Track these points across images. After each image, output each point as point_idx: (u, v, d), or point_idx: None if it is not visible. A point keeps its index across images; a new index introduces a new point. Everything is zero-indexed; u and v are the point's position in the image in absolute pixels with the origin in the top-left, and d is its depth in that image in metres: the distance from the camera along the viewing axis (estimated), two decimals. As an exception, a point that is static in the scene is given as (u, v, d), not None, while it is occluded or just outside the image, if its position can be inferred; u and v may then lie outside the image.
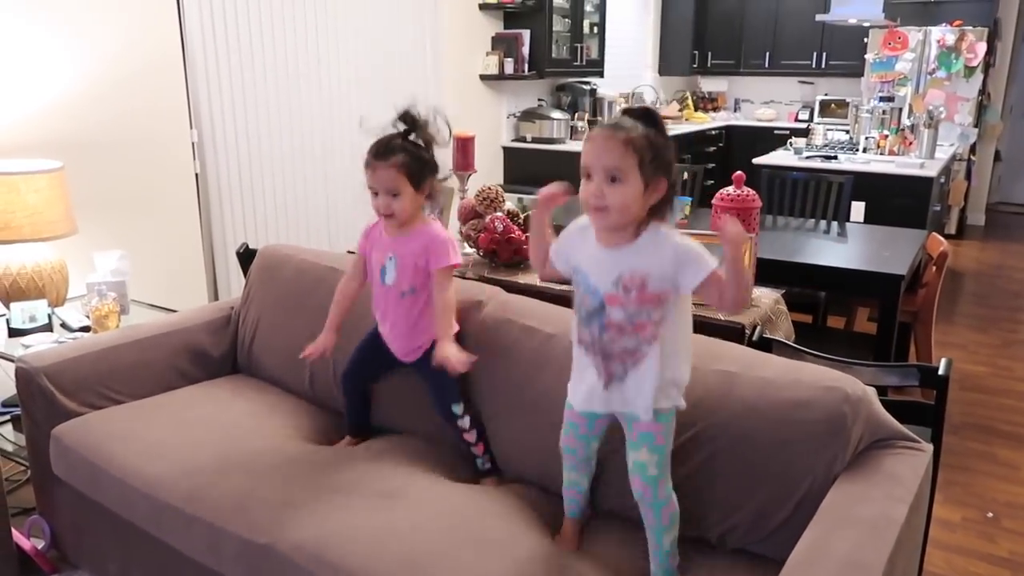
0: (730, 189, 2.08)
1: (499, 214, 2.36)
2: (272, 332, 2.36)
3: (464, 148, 2.52)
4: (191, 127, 3.34)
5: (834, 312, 3.55)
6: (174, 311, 2.66)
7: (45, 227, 2.49)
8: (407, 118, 1.78)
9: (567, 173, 5.14)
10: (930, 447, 1.64)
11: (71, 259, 2.71)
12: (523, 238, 2.32)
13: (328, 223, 4.04)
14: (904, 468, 1.53)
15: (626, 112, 1.39)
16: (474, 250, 2.48)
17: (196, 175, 3.40)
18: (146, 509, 1.81)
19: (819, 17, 6.22)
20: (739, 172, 2.10)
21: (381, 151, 1.75)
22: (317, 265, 2.33)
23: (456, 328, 1.87)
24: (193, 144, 3.36)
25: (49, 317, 2.44)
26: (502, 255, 2.34)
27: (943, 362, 1.77)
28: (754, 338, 1.97)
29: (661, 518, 1.46)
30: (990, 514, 2.57)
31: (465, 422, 1.87)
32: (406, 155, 1.74)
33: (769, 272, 2.36)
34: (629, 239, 1.38)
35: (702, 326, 1.91)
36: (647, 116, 1.36)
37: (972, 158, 6.64)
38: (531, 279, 2.31)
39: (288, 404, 2.20)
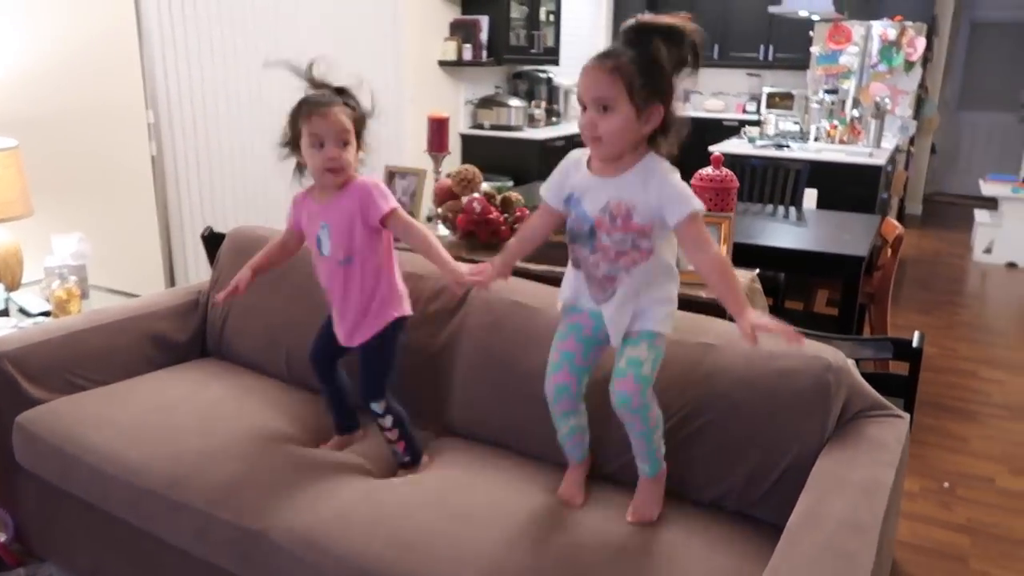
0: (708, 170, 2.12)
1: (476, 195, 2.35)
2: (246, 314, 2.30)
3: (439, 129, 2.50)
4: (147, 108, 3.23)
5: (791, 296, 3.65)
6: (135, 296, 2.58)
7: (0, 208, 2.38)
8: (316, 82, 1.70)
9: (526, 160, 5.15)
10: (907, 416, 1.70)
11: (25, 242, 2.60)
12: (501, 219, 2.32)
13: (288, 207, 3.95)
14: (886, 435, 1.59)
15: (623, 32, 1.36)
16: (450, 232, 2.46)
17: (152, 157, 3.29)
18: (125, 496, 1.75)
19: (771, 9, 6.36)
20: (717, 154, 2.13)
21: (323, 97, 1.65)
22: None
23: (409, 312, 1.81)
24: (149, 125, 3.25)
25: (5, 302, 2.34)
26: (480, 236, 2.33)
27: (916, 335, 1.84)
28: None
29: (649, 421, 1.49)
30: (946, 484, 2.68)
31: (387, 421, 1.77)
32: (349, 106, 1.67)
33: (736, 255, 2.41)
34: (622, 169, 1.39)
35: (686, 303, 1.94)
36: (640, 37, 1.32)
37: (911, 150, 6.89)
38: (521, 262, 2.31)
39: (266, 386, 2.15)
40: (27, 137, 2.65)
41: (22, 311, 2.37)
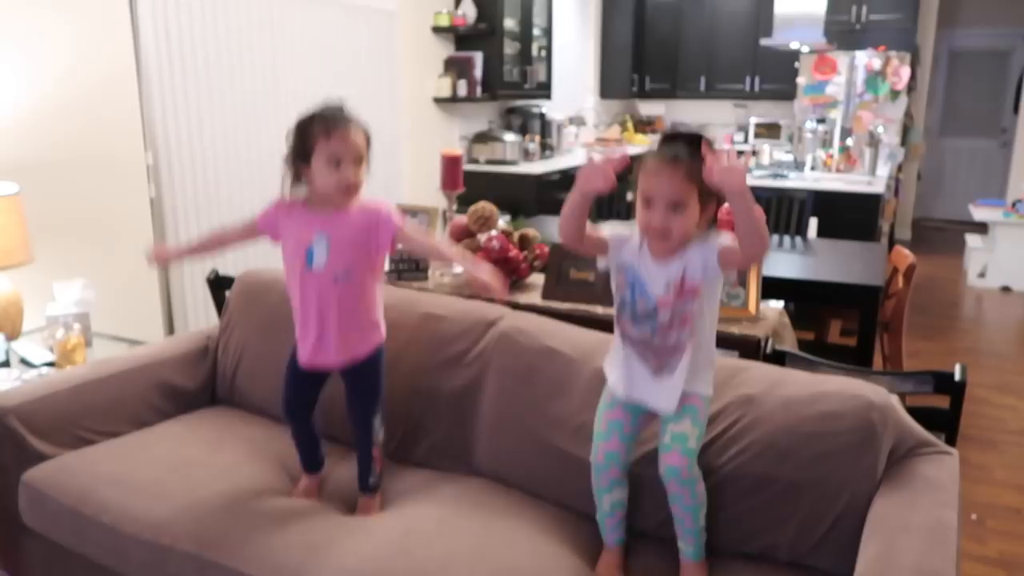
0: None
1: (494, 232, 2.30)
2: (259, 360, 2.23)
3: (452, 166, 2.46)
4: (146, 149, 3.17)
5: (799, 327, 3.62)
6: (140, 343, 2.50)
7: (0, 256, 2.30)
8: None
9: (522, 194, 5.12)
10: (955, 452, 1.66)
11: (24, 289, 2.51)
12: (520, 256, 2.28)
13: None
14: (940, 474, 1.55)
15: (673, 137, 1.43)
16: (466, 270, 2.41)
17: (151, 199, 3.22)
18: (147, 558, 1.65)
19: (763, 41, 6.43)
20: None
21: (340, 115, 1.64)
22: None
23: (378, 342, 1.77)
24: (148, 167, 3.19)
25: (6, 352, 2.25)
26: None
27: (958, 368, 1.80)
28: (767, 351, 1.97)
29: (696, 496, 1.49)
30: (974, 516, 2.63)
31: (379, 436, 1.78)
32: (359, 123, 1.66)
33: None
34: (677, 254, 1.45)
35: (720, 340, 1.90)
36: (696, 142, 1.37)
37: (899, 177, 6.96)
38: (532, 299, 2.26)
39: (281, 435, 2.06)
40: (26, 181, 2.58)
41: (24, 362, 2.27)
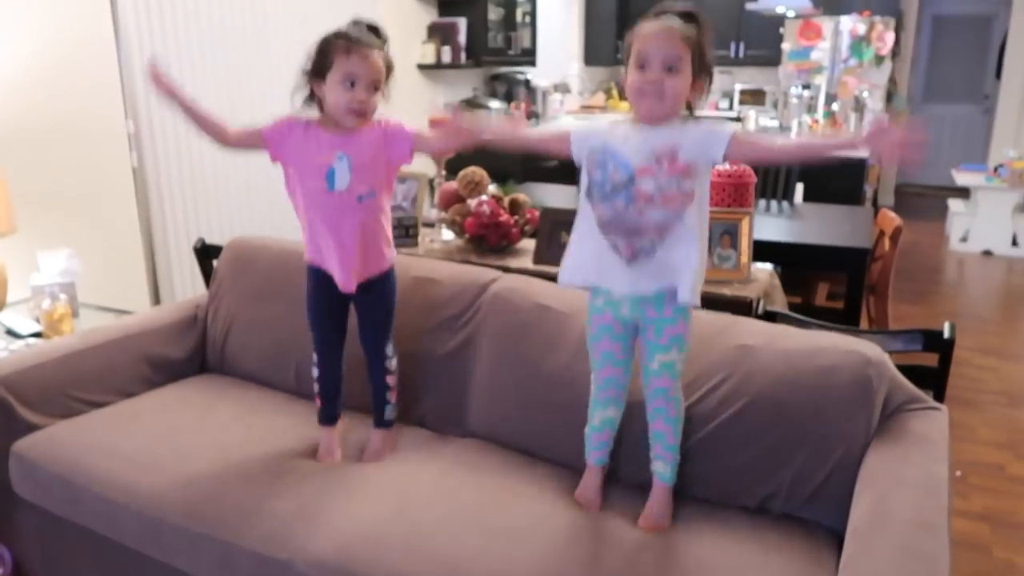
0: (724, 165, 2.08)
1: (484, 197, 2.29)
2: (249, 327, 2.21)
3: (441, 131, 2.42)
4: (126, 118, 3.11)
5: (786, 291, 3.64)
6: (127, 312, 2.48)
7: (-18, 226, 2.25)
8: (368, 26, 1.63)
9: (507, 162, 5.03)
10: (944, 408, 1.69)
11: (8, 260, 2.47)
12: (511, 221, 2.26)
13: (272, 216, 3.85)
14: (931, 429, 1.57)
15: (666, 9, 1.44)
16: (457, 236, 2.40)
17: (134, 169, 3.17)
18: (139, 527, 1.65)
19: (748, 6, 6.40)
20: (734, 148, 2.10)
21: (364, 37, 1.58)
22: (297, 253, 2.17)
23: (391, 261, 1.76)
24: (129, 136, 3.13)
25: (-8, 324, 2.22)
26: (491, 239, 2.27)
27: (947, 326, 1.82)
28: (759, 311, 1.98)
29: (680, 410, 1.56)
30: (958, 473, 2.68)
31: (392, 364, 1.79)
32: (383, 49, 1.62)
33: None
34: (664, 122, 1.44)
35: (711, 301, 1.91)
36: (694, 18, 1.42)
37: (883, 142, 6.98)
38: (523, 263, 2.26)
39: (273, 401, 2.07)
40: (5, 151, 2.52)
41: (10, 332, 2.24)
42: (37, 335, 2.21)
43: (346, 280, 1.68)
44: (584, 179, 1.50)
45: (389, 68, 1.63)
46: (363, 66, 1.56)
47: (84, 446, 1.81)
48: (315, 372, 1.81)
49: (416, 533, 1.49)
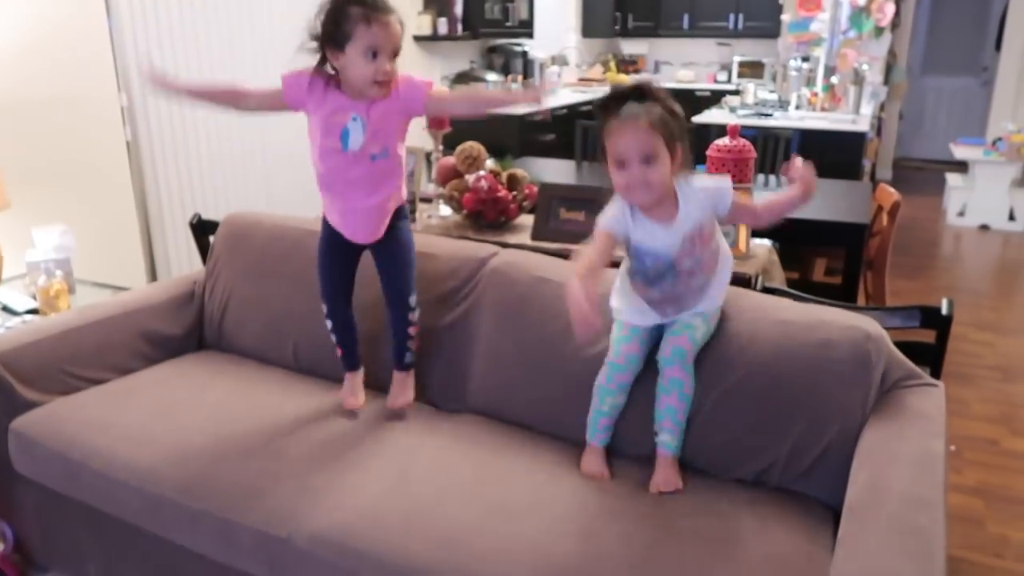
0: (725, 140, 2.07)
1: (482, 172, 2.27)
2: (246, 304, 2.21)
3: (438, 105, 2.40)
4: (119, 91, 3.07)
5: (783, 267, 3.64)
6: (123, 288, 2.47)
7: (-26, 201, 2.24)
8: None
9: (504, 135, 5.00)
10: (941, 385, 1.69)
11: (1, 236, 2.45)
12: (509, 197, 2.25)
13: (267, 190, 3.83)
14: (927, 405, 1.58)
15: (619, 96, 1.46)
16: (454, 211, 2.38)
17: (127, 143, 3.14)
18: (139, 504, 1.65)
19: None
20: (734, 123, 2.09)
21: (385, 3, 1.55)
22: (294, 229, 2.19)
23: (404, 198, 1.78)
24: (122, 109, 3.10)
25: (-13, 300, 2.21)
26: (488, 215, 2.26)
27: (945, 302, 1.82)
28: (757, 287, 1.98)
29: (691, 386, 1.59)
30: (952, 447, 2.70)
31: (415, 315, 1.81)
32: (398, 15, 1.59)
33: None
34: (673, 206, 1.51)
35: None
36: (643, 94, 1.45)
37: (882, 115, 6.94)
38: (521, 238, 2.25)
39: (272, 378, 2.07)
40: (-3, 125, 2.50)
41: (6, 309, 2.23)
42: (33, 312, 2.21)
43: (354, 234, 1.72)
44: (627, 261, 1.61)
45: (403, 27, 1.60)
46: (384, 35, 1.52)
47: (82, 423, 1.81)
48: (328, 324, 1.84)
49: (415, 509, 1.50)
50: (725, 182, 1.56)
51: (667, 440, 1.59)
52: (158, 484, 1.63)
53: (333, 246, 1.77)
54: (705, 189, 1.54)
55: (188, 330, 2.29)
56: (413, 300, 1.79)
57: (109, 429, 1.78)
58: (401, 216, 1.78)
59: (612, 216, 1.54)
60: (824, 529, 1.44)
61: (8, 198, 2.36)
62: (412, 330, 1.82)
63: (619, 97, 1.46)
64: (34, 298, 2.21)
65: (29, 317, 2.18)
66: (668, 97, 1.47)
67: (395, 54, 1.56)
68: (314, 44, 1.59)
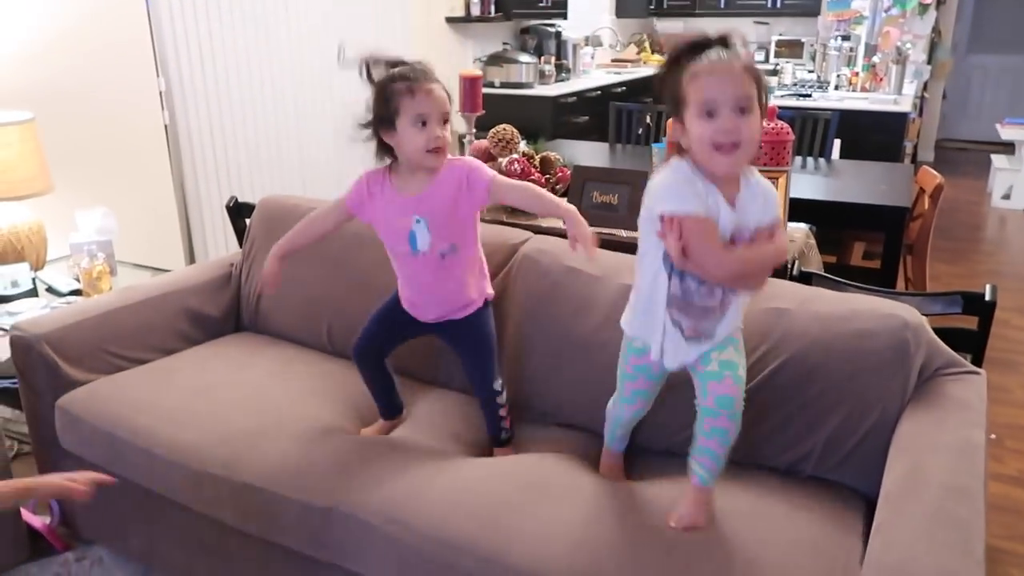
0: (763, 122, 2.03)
1: (515, 156, 2.26)
2: (283, 288, 2.21)
3: (471, 88, 2.40)
4: (158, 75, 3.12)
5: (820, 250, 3.58)
6: (164, 270, 2.51)
7: (20, 185, 2.29)
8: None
9: (538, 117, 5.00)
10: (983, 372, 1.66)
11: (46, 219, 2.51)
12: (542, 180, 2.24)
13: (302, 172, 3.87)
14: (968, 393, 1.55)
15: (700, 43, 1.25)
16: (487, 195, 2.38)
17: (165, 126, 3.19)
18: (182, 480, 1.69)
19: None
20: (771, 105, 2.05)
21: (420, 70, 1.54)
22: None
23: (491, 293, 1.75)
24: (161, 93, 3.14)
25: (33, 281, 2.26)
26: (521, 198, 2.25)
27: (988, 288, 1.78)
28: (794, 272, 1.95)
29: (738, 427, 1.35)
30: (993, 436, 2.65)
31: (503, 397, 1.74)
32: (439, 80, 1.58)
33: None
34: (737, 188, 1.28)
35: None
36: (728, 45, 1.25)
37: (925, 95, 6.77)
38: (554, 222, 2.24)
39: (308, 359, 2.09)
40: (40, 110, 2.55)
41: (51, 290, 2.29)
42: (77, 292, 2.26)
43: (421, 315, 1.71)
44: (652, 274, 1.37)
45: (450, 97, 1.59)
46: (429, 102, 1.52)
47: (125, 401, 1.86)
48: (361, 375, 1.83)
49: (456, 488, 1.51)
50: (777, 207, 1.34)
51: (700, 472, 1.37)
52: (200, 460, 1.67)
53: (395, 311, 1.75)
54: (767, 195, 1.32)
55: (226, 312, 2.33)
56: (498, 384, 1.73)
57: (151, 408, 1.82)
58: (483, 309, 1.73)
59: (688, 191, 1.25)
60: (854, 517, 1.43)
61: (52, 181, 2.41)
62: (502, 411, 1.74)
63: (701, 45, 1.25)
64: (77, 279, 2.27)
65: (72, 298, 2.23)
66: (752, 56, 1.29)
67: (444, 120, 1.55)
68: (368, 132, 1.59)
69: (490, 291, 1.75)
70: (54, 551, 2.03)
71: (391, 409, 1.83)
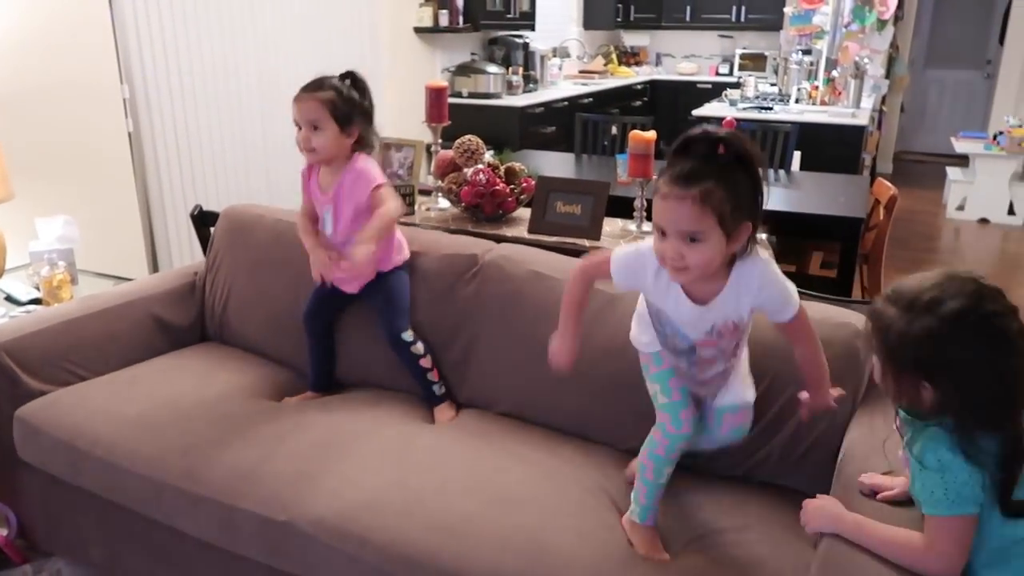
0: (720, 135, 2.08)
1: (480, 166, 2.29)
2: (247, 297, 2.23)
3: (437, 99, 2.43)
4: (121, 82, 3.09)
5: (780, 260, 3.66)
6: (127, 279, 2.49)
7: (-22, 192, 2.26)
8: (352, 75, 1.85)
9: (505, 128, 5.04)
10: (930, 379, 1.71)
11: (5, 226, 2.48)
12: (507, 190, 2.28)
13: (268, 182, 3.85)
14: (915, 399, 1.60)
15: (689, 144, 1.19)
16: (453, 204, 2.41)
17: (129, 134, 3.16)
18: (141, 491, 1.69)
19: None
20: (730, 117, 2.10)
21: (310, 85, 1.80)
22: (294, 224, 2.20)
23: (406, 256, 1.95)
24: (124, 100, 3.12)
25: (-9, 290, 2.24)
26: (486, 209, 2.28)
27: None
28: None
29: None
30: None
31: (419, 347, 1.89)
32: (335, 92, 1.78)
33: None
34: (716, 290, 1.28)
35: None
36: (712, 146, 1.18)
37: (883, 108, 6.94)
38: (519, 232, 2.27)
39: (272, 371, 2.10)
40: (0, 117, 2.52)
41: (10, 299, 2.26)
42: (37, 302, 2.24)
43: (347, 289, 1.92)
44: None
45: (339, 104, 1.78)
46: (298, 111, 1.79)
47: (86, 412, 1.84)
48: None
49: (414, 499, 1.52)
50: (795, 295, 1.32)
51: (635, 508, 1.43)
52: (160, 471, 1.67)
53: (322, 290, 1.95)
54: (768, 286, 1.28)
55: (191, 321, 2.32)
56: (409, 335, 1.89)
57: (112, 418, 1.81)
58: (392, 272, 1.93)
59: (628, 267, 1.31)
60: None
61: (12, 189, 2.38)
62: (423, 362, 1.90)
63: (688, 145, 1.19)
64: (37, 288, 2.24)
65: (32, 307, 2.21)
66: (752, 153, 1.20)
67: (313, 127, 1.77)
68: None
69: (404, 255, 1.95)
70: (11, 564, 2.00)
71: (321, 382, 2.00)
